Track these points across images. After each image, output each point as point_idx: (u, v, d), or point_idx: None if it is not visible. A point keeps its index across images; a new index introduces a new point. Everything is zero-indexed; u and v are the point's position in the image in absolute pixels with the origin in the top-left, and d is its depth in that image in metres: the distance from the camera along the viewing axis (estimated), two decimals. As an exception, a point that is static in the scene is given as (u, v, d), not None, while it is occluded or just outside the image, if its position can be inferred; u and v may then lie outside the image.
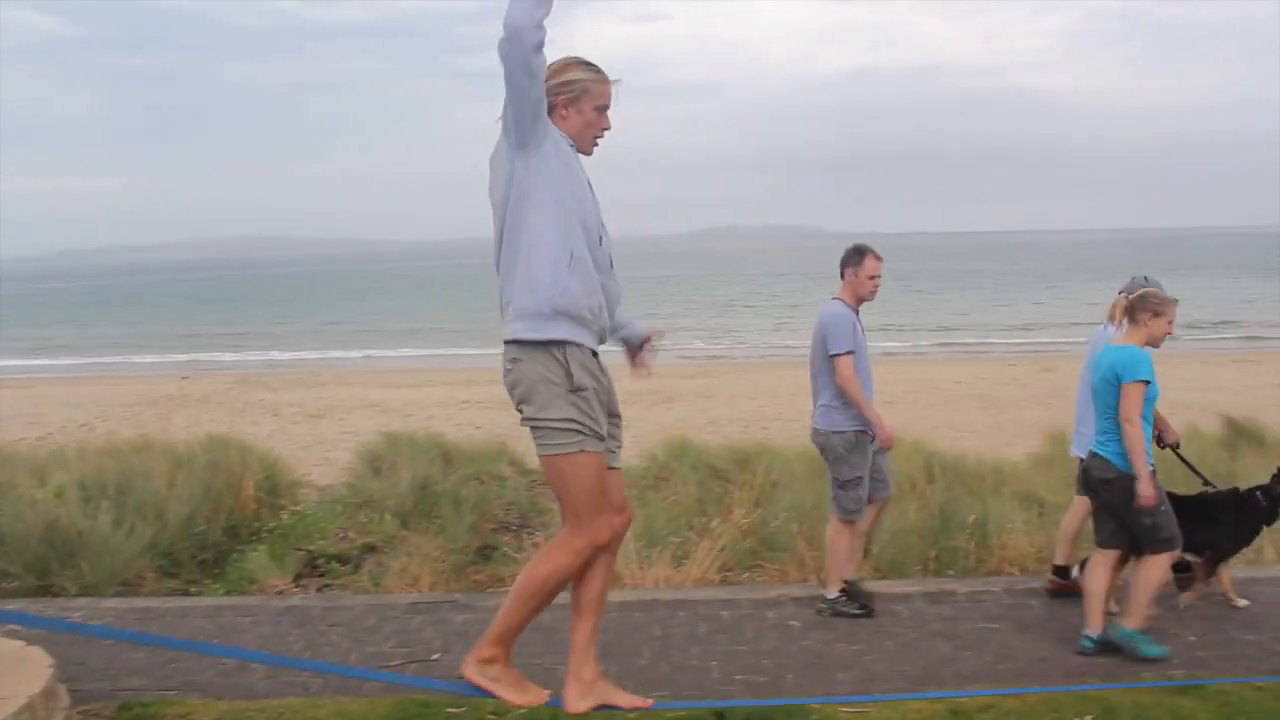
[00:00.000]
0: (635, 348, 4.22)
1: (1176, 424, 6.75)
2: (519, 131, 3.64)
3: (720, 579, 6.62)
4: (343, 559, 7.12)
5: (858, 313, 5.98)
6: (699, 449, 9.32)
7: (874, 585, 6.34)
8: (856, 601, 5.82)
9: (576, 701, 3.99)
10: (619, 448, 3.98)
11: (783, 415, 15.71)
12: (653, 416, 15.58)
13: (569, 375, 3.64)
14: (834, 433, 5.85)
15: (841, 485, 5.89)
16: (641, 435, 12.43)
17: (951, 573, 6.63)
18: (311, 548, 7.26)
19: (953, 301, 53.69)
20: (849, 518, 5.87)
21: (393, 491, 8.03)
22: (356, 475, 9.01)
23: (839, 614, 5.80)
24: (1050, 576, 6.11)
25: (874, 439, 5.86)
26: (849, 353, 5.79)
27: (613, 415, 3.92)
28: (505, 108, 3.65)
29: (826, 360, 5.86)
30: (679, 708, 4.43)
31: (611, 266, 3.90)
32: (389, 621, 5.89)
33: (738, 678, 4.95)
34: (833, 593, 5.88)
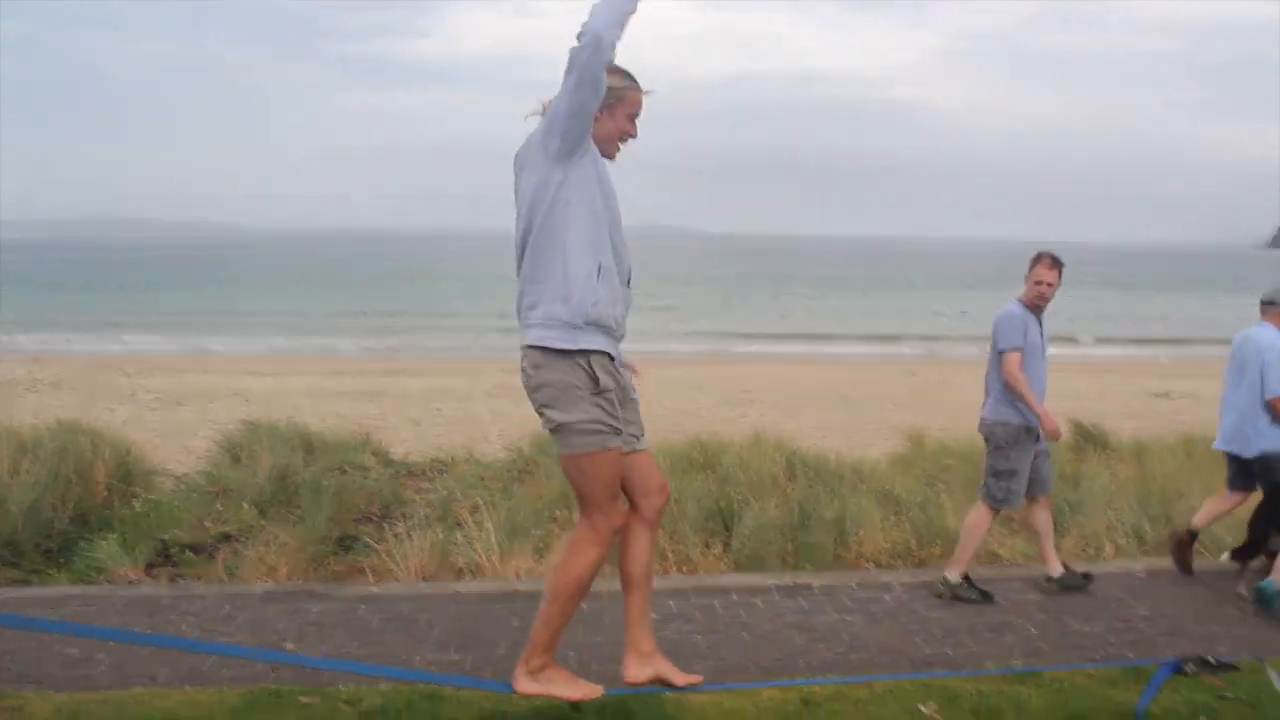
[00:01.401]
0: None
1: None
2: (567, 141, 3.63)
3: (581, 571, 6.64)
4: (197, 548, 6.95)
5: (1036, 315, 6.33)
6: (565, 443, 9.32)
7: (731, 579, 6.46)
8: (976, 589, 6.16)
9: (636, 672, 4.05)
10: (641, 432, 4.04)
11: (650, 411, 15.82)
12: (522, 411, 15.53)
13: (594, 379, 3.68)
14: (999, 424, 6.22)
15: (995, 475, 6.24)
16: (508, 428, 12.41)
17: (809, 567, 6.76)
18: (165, 537, 7.06)
19: (822, 304, 54.67)
20: (995, 505, 6.24)
21: (252, 480, 7.87)
22: (215, 463, 8.80)
23: (958, 598, 6.13)
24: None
25: (1039, 438, 6.22)
26: (1016, 349, 6.16)
27: (628, 401, 3.95)
28: (555, 116, 3.63)
29: (997, 356, 6.23)
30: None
31: (629, 281, 3.92)
32: (242, 611, 5.78)
33: (594, 668, 4.98)
34: (956, 576, 6.21)
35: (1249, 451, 6.53)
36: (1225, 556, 6.85)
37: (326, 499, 7.39)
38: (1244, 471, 6.68)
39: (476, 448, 10.27)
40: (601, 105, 3.70)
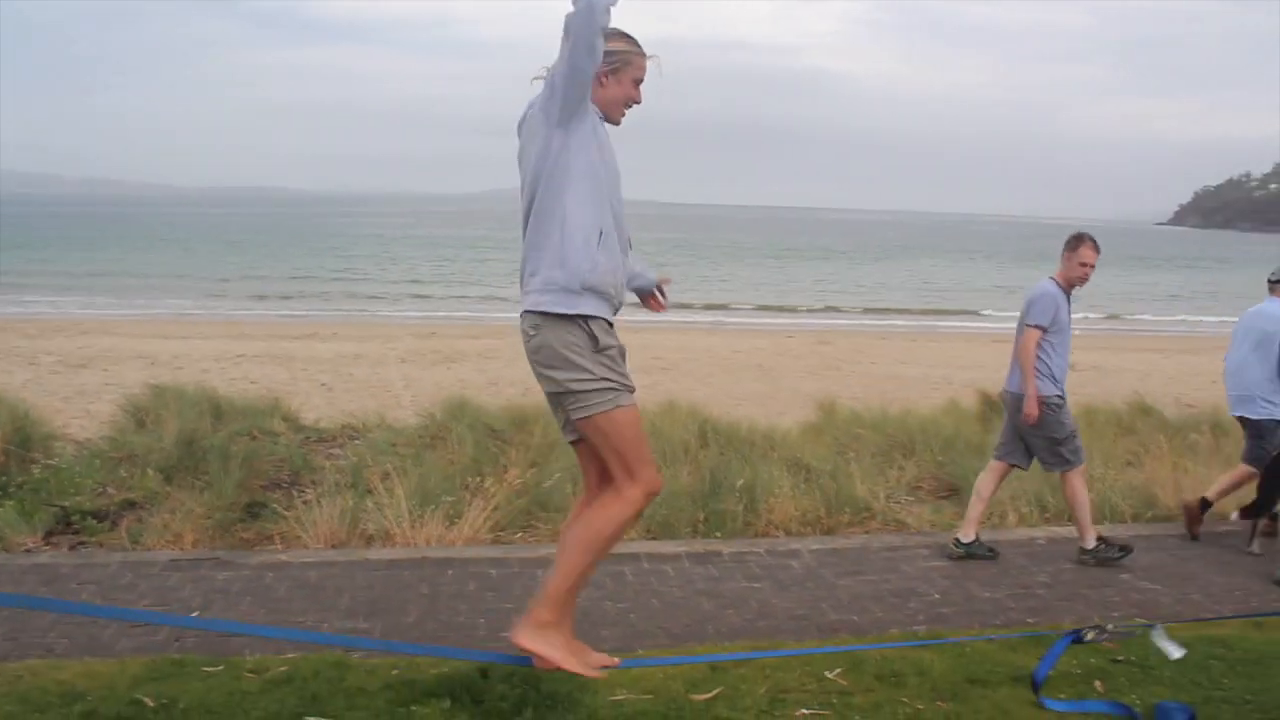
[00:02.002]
0: (648, 294, 4.22)
1: (938, 399, 7.15)
2: (565, 108, 3.55)
3: (492, 538, 6.64)
4: (99, 515, 6.80)
5: (1068, 295, 6.58)
6: (477, 409, 9.28)
7: (641, 547, 6.49)
8: (1115, 548, 6.50)
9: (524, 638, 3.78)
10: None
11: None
12: (433, 376, 15.46)
13: (593, 338, 3.60)
14: (1042, 399, 6.41)
15: (1060, 442, 6.49)
16: (421, 394, 12.34)
17: (719, 535, 6.82)
18: (65, 503, 6.89)
19: (737, 273, 54.98)
20: (1079, 463, 6.51)
21: (157, 446, 7.71)
22: (119, 428, 8.60)
23: (1103, 562, 6.44)
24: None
25: (1063, 405, 6.52)
26: (1040, 327, 6.44)
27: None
28: (553, 82, 3.54)
29: (1023, 328, 6.53)
30: (449, 661, 4.44)
31: (631, 246, 3.87)
32: (145, 579, 5.68)
33: (504, 635, 4.97)
34: (1090, 543, 6.50)
35: (1258, 414, 7.09)
36: (1234, 515, 7.28)
37: (234, 465, 7.27)
38: (1256, 438, 7.14)
39: (389, 413, 10.18)
40: (607, 70, 3.66)
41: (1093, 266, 6.55)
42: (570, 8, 3.38)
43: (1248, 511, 7.04)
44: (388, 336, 22.11)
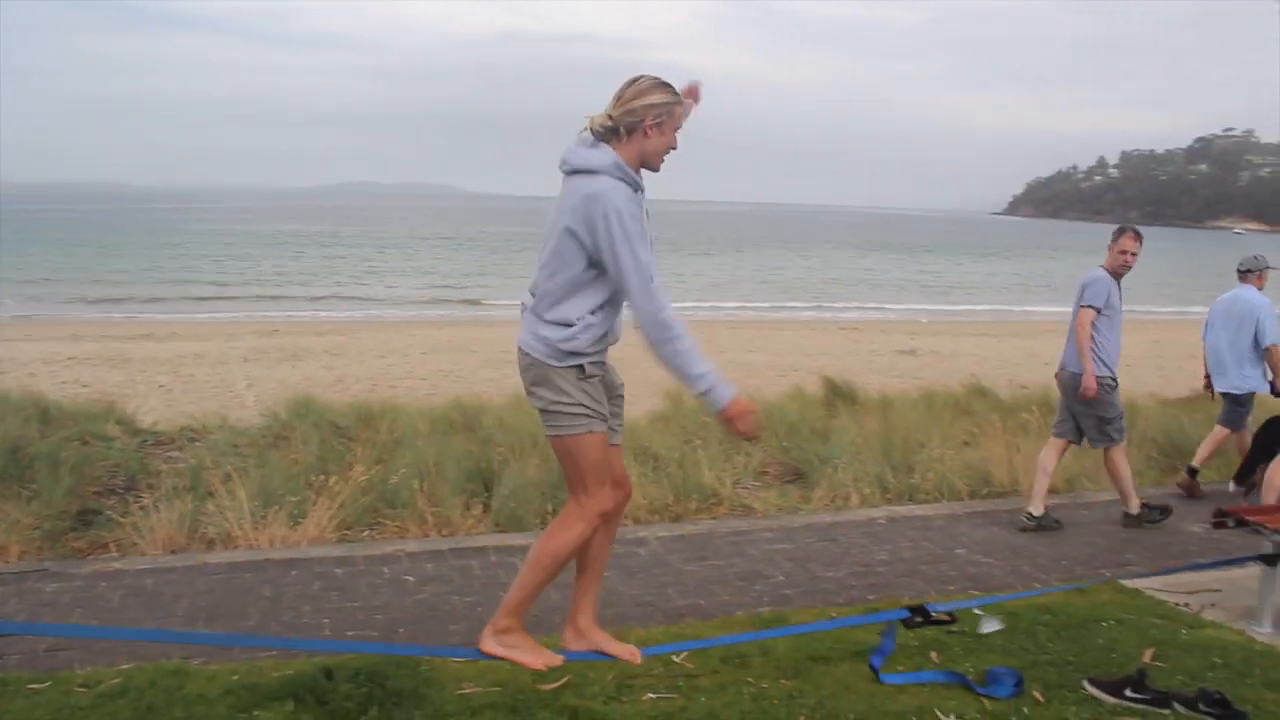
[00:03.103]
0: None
1: (783, 385, 7.30)
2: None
3: (339, 537, 6.53)
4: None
5: (1117, 282, 7.07)
6: (322, 407, 9.11)
7: (489, 540, 6.47)
8: (1157, 510, 7.22)
9: (573, 643, 4.11)
10: (620, 425, 4.09)
11: (413, 373, 15.65)
12: (278, 374, 15.11)
13: (581, 370, 3.74)
14: (1098, 379, 6.96)
15: (1109, 421, 7.07)
16: (265, 393, 12.05)
17: (568, 525, 6.81)
18: (-123, 517, 6.54)
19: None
20: (1121, 440, 7.14)
21: (-22, 454, 7.37)
22: (-64, 437, 8.18)
23: (1150, 522, 7.14)
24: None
25: (1115, 387, 7.08)
26: (1094, 308, 6.97)
27: (614, 396, 4.02)
28: (616, 259, 3.62)
29: (1078, 309, 7.07)
30: (292, 663, 4.35)
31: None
32: (-33, 594, 5.42)
33: (349, 634, 4.93)
34: (1135, 509, 7.17)
35: (1237, 387, 8.18)
36: (1231, 486, 8.16)
37: (64, 472, 6.99)
38: (1234, 405, 8.29)
39: (231, 413, 9.92)
40: (653, 124, 3.77)
41: (1134, 254, 7.05)
42: (649, 334, 3.67)
43: (1240, 477, 8.12)
44: (230, 335, 21.51)
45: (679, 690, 4.17)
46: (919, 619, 4.38)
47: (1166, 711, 4.01)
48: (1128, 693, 4.09)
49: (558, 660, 4.06)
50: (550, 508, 6.95)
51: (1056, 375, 7.35)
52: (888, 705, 4.02)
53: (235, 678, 4.20)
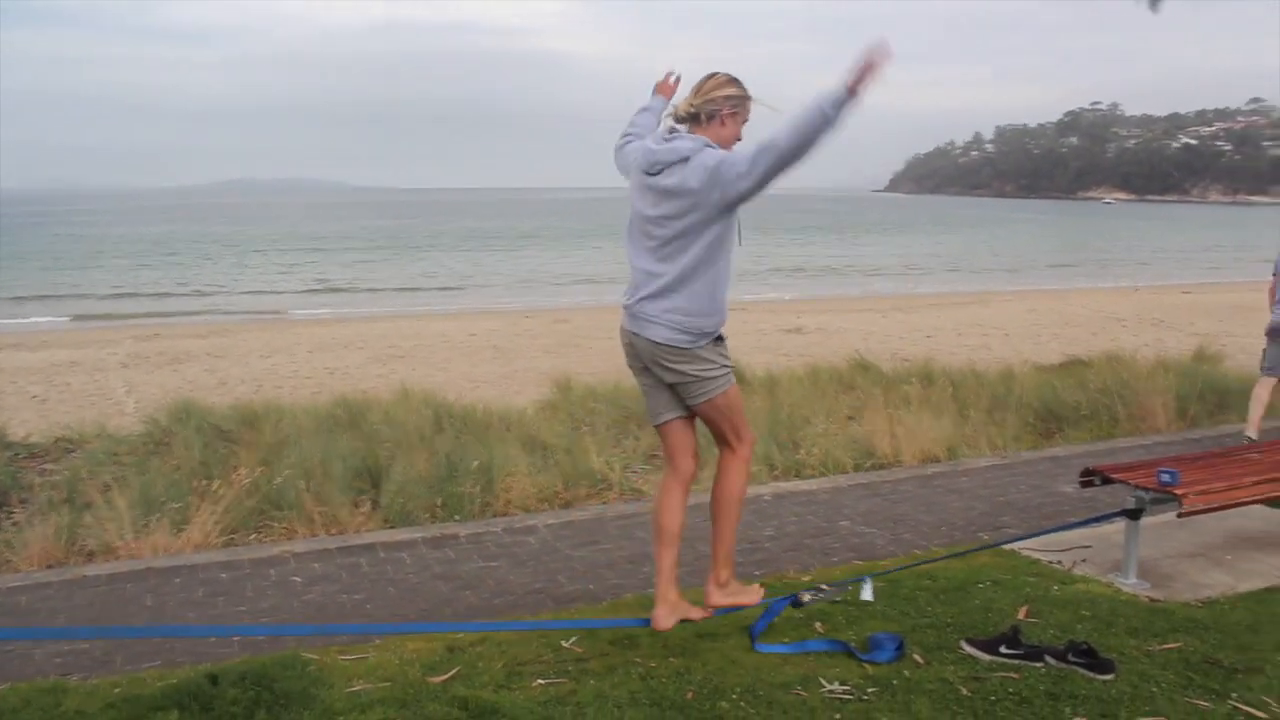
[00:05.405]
0: None
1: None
2: (740, 202, 3.97)
3: (224, 541, 6.43)
4: None
5: None
6: (204, 410, 8.95)
7: (377, 536, 6.44)
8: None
9: (664, 620, 4.35)
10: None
11: (298, 373, 15.42)
12: (158, 379, 14.78)
13: (719, 338, 4.18)
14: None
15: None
16: (145, 399, 11.79)
17: (457, 518, 6.83)
18: None
19: (472, 258, 54.68)
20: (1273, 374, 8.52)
21: None
22: None
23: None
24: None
25: None
26: None
27: None
28: (759, 159, 3.85)
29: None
30: (176, 671, 4.29)
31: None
32: None
33: (235, 639, 4.86)
34: (1255, 434, 8.27)
35: None
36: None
37: (-71, 489, 6.78)
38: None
39: (110, 422, 9.69)
40: (730, 111, 4.11)
41: None
42: (816, 117, 3.73)
43: None
44: (106, 341, 20.92)
45: (568, 674, 4.20)
46: (810, 597, 4.63)
47: (1039, 664, 4.17)
48: (1002, 649, 4.24)
49: (761, 593, 4.57)
50: (439, 501, 6.94)
51: (1267, 329, 8.59)
52: (773, 677, 4.11)
53: (117, 690, 4.13)
